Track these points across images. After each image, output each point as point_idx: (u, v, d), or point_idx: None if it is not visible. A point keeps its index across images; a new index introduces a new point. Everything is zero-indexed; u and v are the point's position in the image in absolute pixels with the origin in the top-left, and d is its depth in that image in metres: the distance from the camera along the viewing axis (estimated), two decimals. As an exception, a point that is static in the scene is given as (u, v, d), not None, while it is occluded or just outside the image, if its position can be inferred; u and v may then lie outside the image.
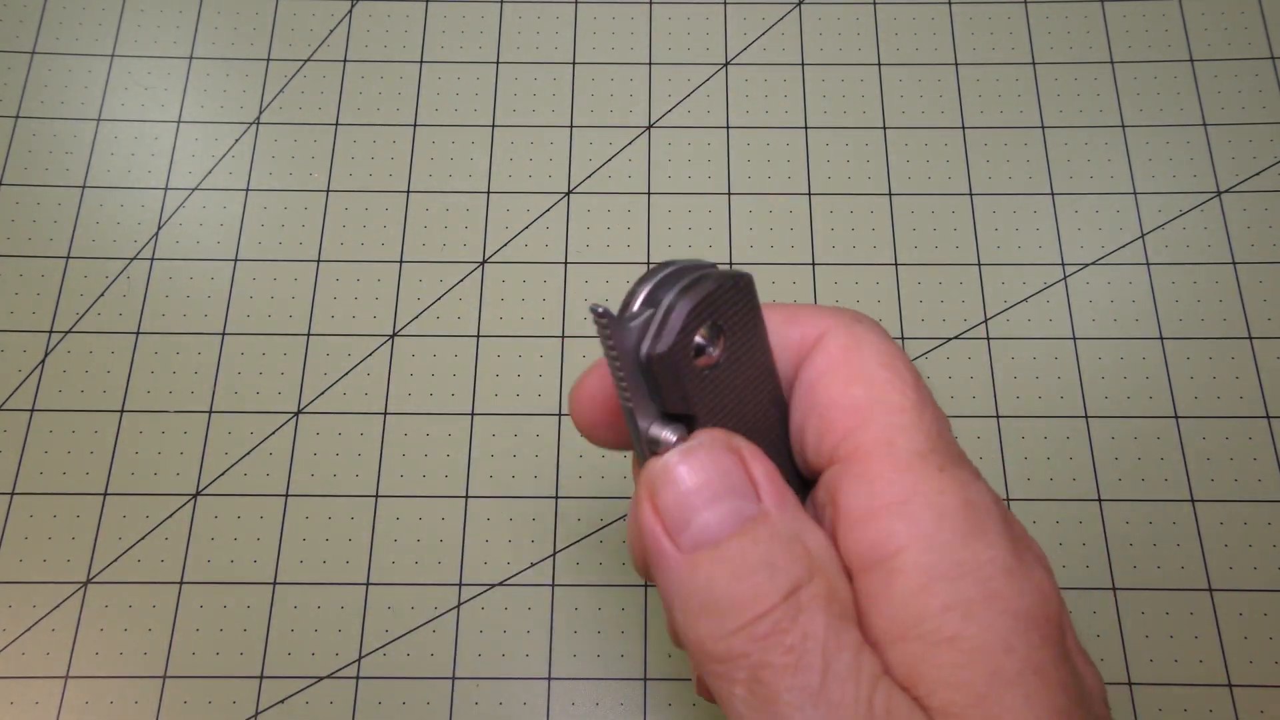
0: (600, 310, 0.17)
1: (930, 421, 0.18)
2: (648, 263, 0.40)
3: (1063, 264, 0.40)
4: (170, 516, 0.36)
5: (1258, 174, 0.41)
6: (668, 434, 0.18)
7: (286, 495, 0.37)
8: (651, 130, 0.42)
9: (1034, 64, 0.43)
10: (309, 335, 0.39)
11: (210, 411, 0.38)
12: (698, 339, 0.18)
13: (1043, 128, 0.42)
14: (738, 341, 0.19)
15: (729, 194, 0.41)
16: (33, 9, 0.44)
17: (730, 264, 0.40)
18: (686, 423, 0.19)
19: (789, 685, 0.16)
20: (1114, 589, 0.35)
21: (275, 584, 0.35)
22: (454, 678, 0.34)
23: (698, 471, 0.17)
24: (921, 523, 0.17)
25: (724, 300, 0.18)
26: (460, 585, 0.36)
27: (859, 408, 0.18)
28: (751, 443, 0.18)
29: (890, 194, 0.41)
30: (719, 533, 0.17)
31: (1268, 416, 0.37)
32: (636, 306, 0.18)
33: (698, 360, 0.18)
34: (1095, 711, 0.17)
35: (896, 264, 0.40)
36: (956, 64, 0.43)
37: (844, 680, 0.16)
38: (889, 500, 0.17)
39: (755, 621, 0.16)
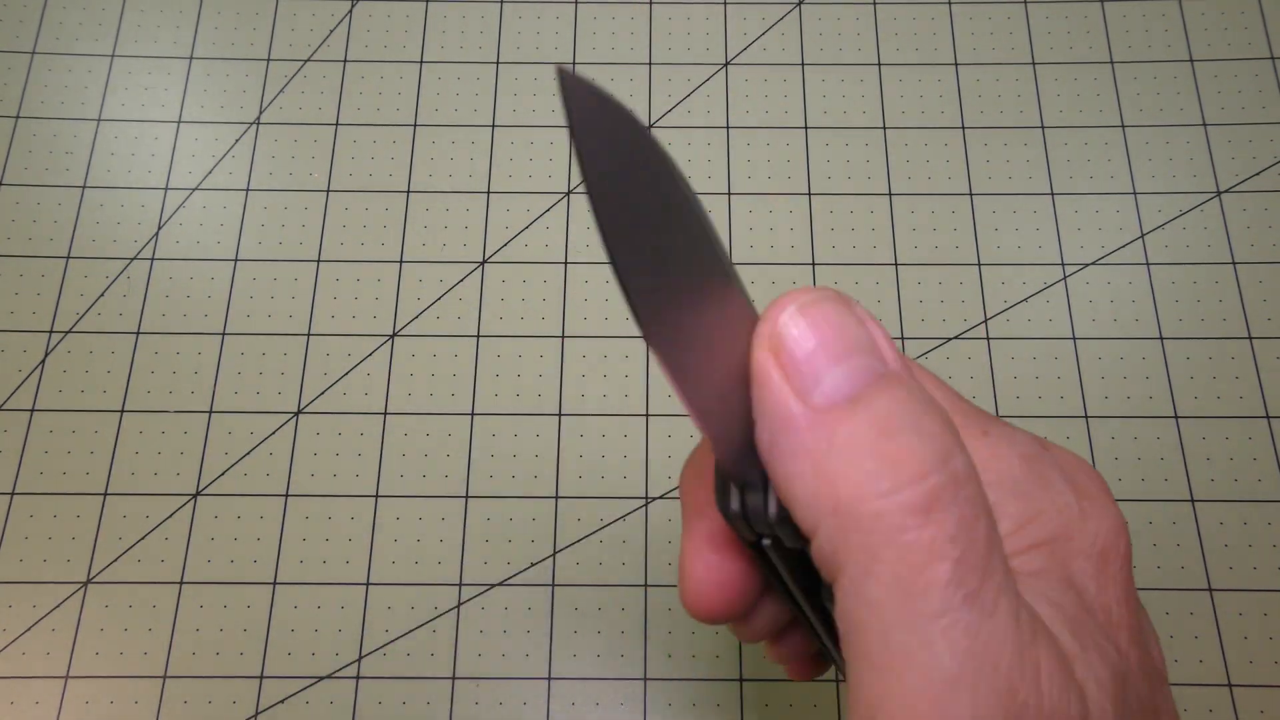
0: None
1: (945, 386, 0.19)
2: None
3: (1063, 264, 0.40)
4: (170, 516, 0.36)
5: (1258, 174, 0.41)
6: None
7: (286, 495, 0.37)
8: (651, 130, 0.42)
9: (1034, 64, 0.43)
10: (309, 335, 0.39)
11: (210, 411, 0.38)
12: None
13: (1043, 128, 0.42)
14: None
15: (729, 194, 0.41)
16: (33, 9, 0.44)
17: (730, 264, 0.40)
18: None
19: (947, 579, 0.14)
20: (1114, 589, 0.35)
21: (275, 584, 0.35)
22: (454, 678, 0.34)
23: (822, 326, 0.16)
24: (994, 478, 0.17)
25: None
26: (460, 585, 0.35)
27: None
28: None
29: (890, 194, 0.41)
30: (854, 389, 0.15)
31: (1268, 416, 0.37)
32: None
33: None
34: (1151, 651, 0.17)
35: (896, 264, 0.40)
36: (956, 64, 0.43)
37: (1000, 586, 0.14)
38: None
39: (913, 483, 0.14)
